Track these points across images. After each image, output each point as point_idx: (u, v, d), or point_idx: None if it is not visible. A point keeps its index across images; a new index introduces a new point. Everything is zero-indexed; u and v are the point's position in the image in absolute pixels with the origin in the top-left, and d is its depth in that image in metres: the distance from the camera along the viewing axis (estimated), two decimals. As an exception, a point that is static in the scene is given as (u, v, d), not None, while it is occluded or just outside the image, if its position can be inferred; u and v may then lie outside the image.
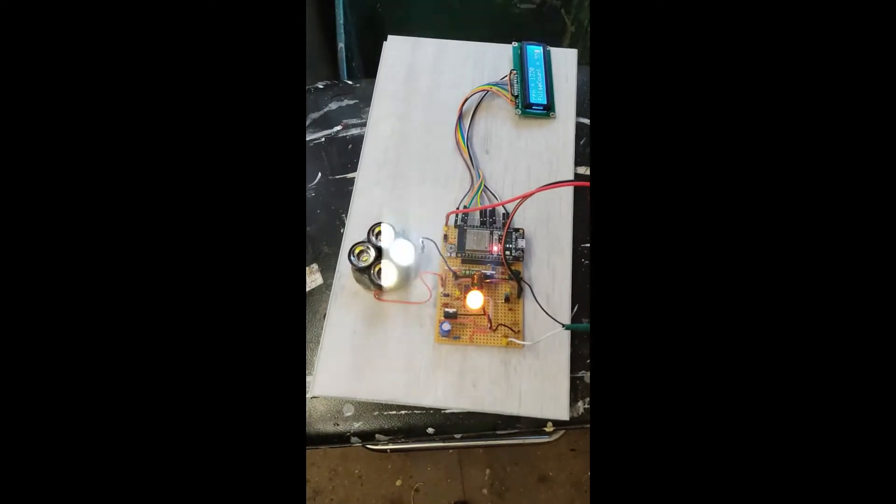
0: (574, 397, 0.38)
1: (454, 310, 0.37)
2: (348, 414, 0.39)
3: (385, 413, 0.39)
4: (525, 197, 0.35)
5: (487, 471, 0.86)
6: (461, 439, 0.40)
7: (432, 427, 0.39)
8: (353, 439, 0.39)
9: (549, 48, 0.48)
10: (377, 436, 0.39)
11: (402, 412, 0.39)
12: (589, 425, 0.37)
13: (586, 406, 0.38)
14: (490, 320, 0.37)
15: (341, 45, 0.59)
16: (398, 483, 0.86)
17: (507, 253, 0.39)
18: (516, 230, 0.40)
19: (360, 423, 0.39)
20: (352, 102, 0.49)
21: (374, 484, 0.86)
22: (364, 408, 0.39)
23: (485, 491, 0.86)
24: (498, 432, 0.39)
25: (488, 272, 0.38)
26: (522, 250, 0.39)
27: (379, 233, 0.39)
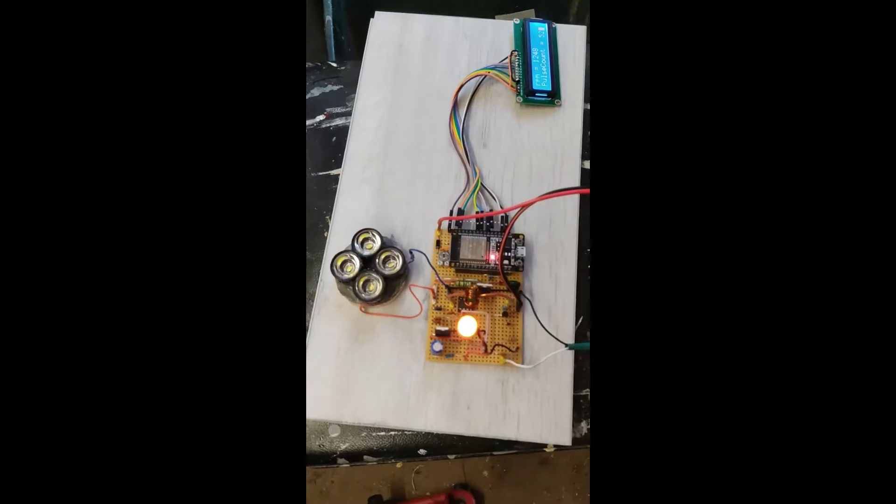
0: (577, 417, 0.35)
1: (447, 328, 0.34)
2: (334, 435, 0.36)
3: (374, 433, 0.36)
4: (525, 206, 0.31)
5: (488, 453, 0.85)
6: (455, 459, 0.37)
7: (424, 448, 0.36)
8: (340, 460, 0.36)
9: (554, 25, 0.43)
10: (365, 457, 0.37)
11: (392, 433, 0.36)
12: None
13: (590, 427, 0.36)
14: (485, 345, 0.34)
15: (329, 18, 0.54)
16: (398, 465, 0.85)
17: (506, 262, 0.35)
18: (515, 236, 0.36)
19: (346, 443, 0.36)
20: (336, 88, 0.44)
21: (375, 465, 0.85)
22: (351, 427, 0.37)
23: (485, 473, 0.85)
24: (494, 453, 0.36)
25: (484, 284, 0.35)
26: (522, 259, 0.36)
27: (365, 240, 0.36)
